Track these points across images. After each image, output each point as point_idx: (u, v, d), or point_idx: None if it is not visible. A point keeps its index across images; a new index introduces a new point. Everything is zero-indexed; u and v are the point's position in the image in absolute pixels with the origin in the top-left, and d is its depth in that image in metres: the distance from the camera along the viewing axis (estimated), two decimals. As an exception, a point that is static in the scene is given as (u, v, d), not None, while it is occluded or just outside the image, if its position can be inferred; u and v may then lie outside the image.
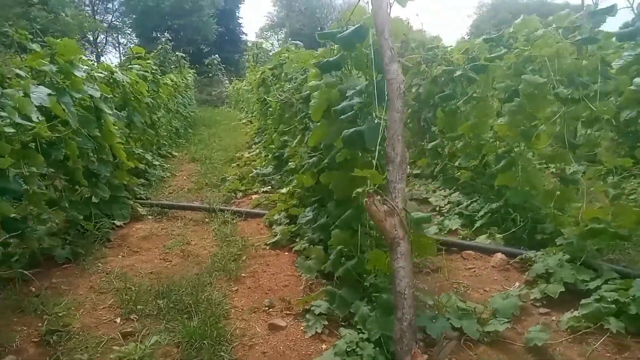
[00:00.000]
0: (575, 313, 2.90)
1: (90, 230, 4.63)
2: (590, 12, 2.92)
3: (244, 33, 51.91)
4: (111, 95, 6.19)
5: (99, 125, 5.31)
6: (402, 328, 2.08)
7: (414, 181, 6.48)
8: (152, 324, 3.13)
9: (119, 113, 6.22)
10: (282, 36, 57.38)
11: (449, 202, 5.22)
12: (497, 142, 4.76)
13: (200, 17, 42.35)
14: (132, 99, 7.54)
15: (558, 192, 3.95)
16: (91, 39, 44.22)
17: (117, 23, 47.11)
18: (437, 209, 5.27)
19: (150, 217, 5.76)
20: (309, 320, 2.91)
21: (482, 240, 4.30)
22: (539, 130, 4.03)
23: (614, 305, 2.78)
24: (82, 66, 5.37)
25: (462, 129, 5.06)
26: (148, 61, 10.12)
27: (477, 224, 4.54)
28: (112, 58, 46.62)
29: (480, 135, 5.04)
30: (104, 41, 46.69)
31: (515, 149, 4.45)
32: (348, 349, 2.44)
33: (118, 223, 5.31)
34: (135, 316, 3.25)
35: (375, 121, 2.52)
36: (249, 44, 50.23)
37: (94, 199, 5.11)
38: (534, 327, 2.83)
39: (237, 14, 50.82)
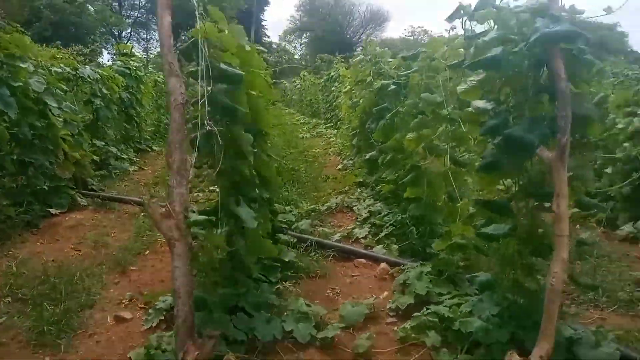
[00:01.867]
0: (407, 324, 2.96)
1: (11, 215, 4.84)
2: (467, 37, 2.98)
3: (267, 35, 52.56)
4: (70, 90, 6.45)
5: (43, 117, 5.56)
6: (178, 324, 2.19)
7: (356, 190, 6.58)
8: (19, 307, 3.29)
9: (71, 106, 6.45)
10: (306, 40, 57.82)
11: (369, 212, 5.29)
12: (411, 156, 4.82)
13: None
14: (100, 94, 7.80)
15: (445, 207, 4.00)
16: (116, 33, 45.41)
17: (142, 19, 48.15)
18: (356, 217, 5.36)
19: (90, 207, 5.96)
20: (150, 314, 3.04)
21: (378, 249, 4.37)
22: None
23: (437, 320, 2.84)
24: (31, 60, 5.65)
25: (389, 142, 5.14)
26: (133, 58, 10.43)
27: (382, 234, 4.60)
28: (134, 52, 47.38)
29: (402, 148, 5.10)
30: (129, 36, 47.75)
31: (422, 163, 4.50)
32: (156, 343, 2.56)
33: (53, 211, 5.51)
34: (10, 299, 3.42)
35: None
36: (274, 46, 50.89)
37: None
38: (363, 335, 2.91)
39: (261, 16, 51.54)
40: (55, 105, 5.72)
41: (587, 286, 2.73)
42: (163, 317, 3.02)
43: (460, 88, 2.88)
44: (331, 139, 12.64)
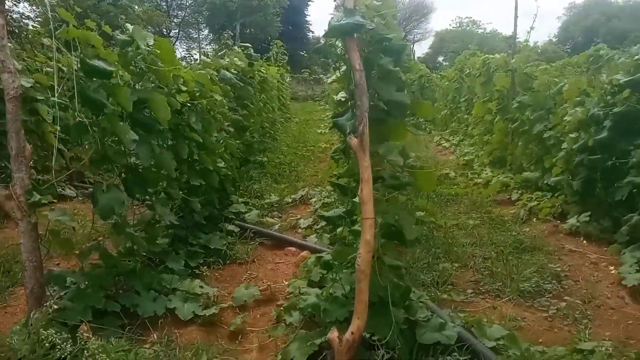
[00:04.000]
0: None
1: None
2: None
3: (311, 31, 52.81)
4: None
5: (32, 113, 6.07)
6: (27, 294, 2.50)
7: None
8: None
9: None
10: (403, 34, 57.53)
11: (323, 204, 5.45)
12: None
13: (265, 15, 43.83)
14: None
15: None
16: (165, 32, 47.17)
17: (190, 19, 49.71)
18: (313, 209, 5.55)
19: (79, 198, 6.44)
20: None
21: (311, 239, 4.55)
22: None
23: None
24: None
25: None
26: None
27: (320, 224, 4.77)
28: (181, 51, 49.12)
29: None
30: (177, 35, 49.44)
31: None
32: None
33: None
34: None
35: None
36: (321, 41, 51.03)
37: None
38: (243, 314, 3.13)
39: (305, 12, 51.80)
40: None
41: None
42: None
43: (329, 80, 3.03)
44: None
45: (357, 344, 2.39)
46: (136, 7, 36.12)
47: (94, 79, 2.85)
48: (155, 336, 2.93)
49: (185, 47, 49.15)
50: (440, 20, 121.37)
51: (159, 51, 3.41)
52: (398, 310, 2.65)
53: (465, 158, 8.54)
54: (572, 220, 4.70)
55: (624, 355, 2.58)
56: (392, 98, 2.41)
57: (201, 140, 4.07)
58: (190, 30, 51.80)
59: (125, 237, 3.17)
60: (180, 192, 4.07)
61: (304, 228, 4.94)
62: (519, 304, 3.45)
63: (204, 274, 3.85)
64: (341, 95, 2.86)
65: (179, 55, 10.86)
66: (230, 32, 24.08)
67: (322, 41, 2.78)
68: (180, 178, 4.03)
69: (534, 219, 5.27)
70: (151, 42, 3.18)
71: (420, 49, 65.13)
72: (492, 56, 8.08)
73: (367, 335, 2.50)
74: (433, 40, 54.17)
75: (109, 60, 2.94)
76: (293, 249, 4.43)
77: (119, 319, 2.97)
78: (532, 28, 6.86)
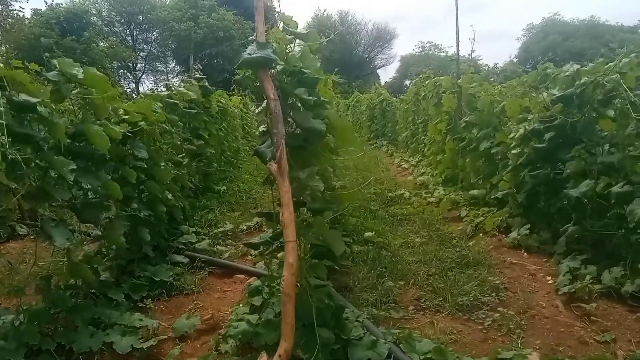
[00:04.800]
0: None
1: None
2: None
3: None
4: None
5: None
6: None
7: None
8: None
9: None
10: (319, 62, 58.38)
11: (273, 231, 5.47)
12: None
13: (231, 45, 44.30)
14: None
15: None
16: (130, 66, 47.14)
17: (156, 52, 49.85)
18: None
19: (31, 236, 6.33)
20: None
21: (259, 265, 4.57)
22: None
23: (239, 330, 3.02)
24: None
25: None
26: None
27: (268, 250, 4.79)
28: (149, 84, 49.20)
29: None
30: (143, 69, 49.44)
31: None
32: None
33: (-9, 241, 5.90)
34: None
35: None
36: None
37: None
38: (175, 348, 3.12)
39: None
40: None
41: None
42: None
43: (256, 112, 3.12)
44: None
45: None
46: (101, 43, 36.22)
47: (22, 114, 2.87)
48: (91, 373, 2.90)
49: (152, 80, 49.12)
50: (405, 46, 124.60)
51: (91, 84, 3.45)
52: (329, 330, 2.70)
53: (421, 178, 8.74)
54: (513, 234, 4.87)
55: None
56: (308, 125, 2.51)
57: (146, 168, 4.10)
58: (157, 63, 51.93)
59: (68, 270, 3.15)
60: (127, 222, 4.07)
61: (254, 255, 4.95)
62: (457, 317, 3.54)
63: (148, 306, 3.81)
64: (262, 127, 2.95)
65: (145, 89, 10.84)
66: (198, 63, 24.25)
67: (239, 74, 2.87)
68: (127, 208, 4.03)
69: (481, 234, 5.42)
70: (80, 75, 3.21)
71: (386, 74, 66.67)
72: (441, 78, 8.37)
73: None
74: (399, 65, 55.57)
75: (39, 95, 2.97)
76: (242, 276, 4.45)
77: (53, 357, 2.93)
78: (472, 51, 7.18)
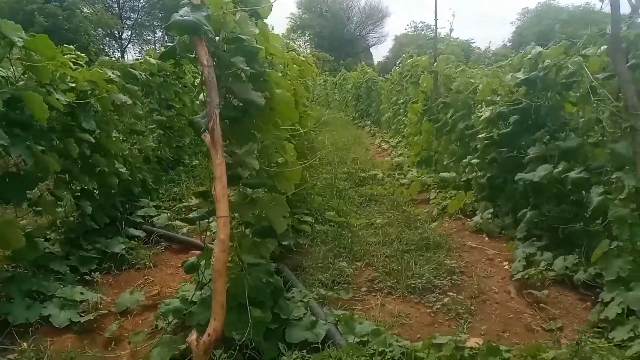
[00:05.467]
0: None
1: None
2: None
3: (268, 34, 52.54)
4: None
5: None
6: None
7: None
8: None
9: None
10: (308, 38, 57.68)
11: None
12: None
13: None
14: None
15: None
16: (116, 34, 46.08)
17: (143, 21, 48.70)
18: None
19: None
20: None
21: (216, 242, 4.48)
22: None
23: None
24: None
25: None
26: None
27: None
28: (134, 54, 48.30)
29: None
30: (129, 38, 48.36)
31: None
32: None
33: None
34: None
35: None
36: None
37: None
38: (114, 323, 3.03)
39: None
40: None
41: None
42: None
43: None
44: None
45: (214, 346, 2.34)
46: (85, 9, 35.21)
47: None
48: (25, 345, 2.80)
49: (138, 49, 48.13)
50: (398, 26, 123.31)
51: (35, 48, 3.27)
52: (265, 309, 2.62)
53: (397, 159, 8.65)
54: (476, 218, 4.82)
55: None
56: (246, 97, 2.38)
57: (93, 141, 3.94)
58: (144, 32, 50.80)
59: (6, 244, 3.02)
60: (71, 195, 3.94)
61: (214, 231, 4.84)
62: (408, 300, 3.49)
63: (95, 279, 3.71)
64: (201, 96, 2.82)
65: (130, 58, 10.49)
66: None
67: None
68: (70, 181, 3.89)
69: (447, 217, 5.37)
70: (20, 42, 3.03)
71: (378, 53, 65.98)
72: (419, 58, 8.23)
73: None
74: (392, 44, 54.88)
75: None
76: (197, 252, 4.34)
77: (-15, 328, 2.83)
78: (451, 30, 7.04)
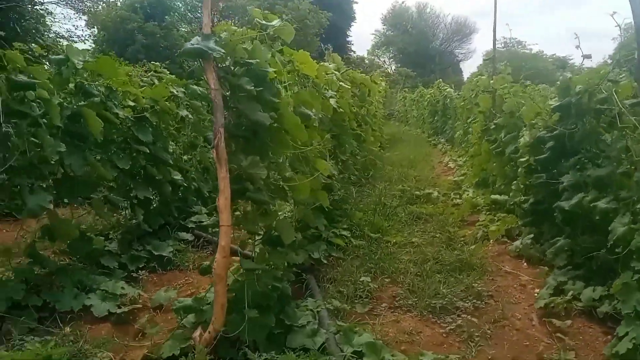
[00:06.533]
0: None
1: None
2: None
3: (352, 51, 53.34)
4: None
5: None
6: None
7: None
8: None
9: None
10: (393, 54, 57.71)
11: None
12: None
13: (305, 35, 44.76)
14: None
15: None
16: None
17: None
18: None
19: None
20: None
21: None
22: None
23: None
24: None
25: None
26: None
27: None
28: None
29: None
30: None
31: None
32: None
33: None
34: None
35: None
36: (366, 61, 51.68)
37: None
38: (145, 317, 3.37)
39: (347, 32, 52.46)
40: None
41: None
42: None
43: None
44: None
45: (213, 342, 2.57)
46: (182, 27, 37.92)
47: (20, 92, 3.20)
48: (67, 330, 3.21)
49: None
50: (485, 41, 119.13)
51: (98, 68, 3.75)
52: (270, 314, 2.81)
53: (458, 179, 8.52)
54: (517, 242, 4.70)
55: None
56: (253, 117, 2.61)
57: (148, 152, 4.38)
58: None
59: (50, 230, 3.48)
60: (129, 201, 4.40)
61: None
62: (425, 319, 3.52)
63: (141, 277, 4.11)
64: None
65: None
66: None
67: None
68: (125, 187, 4.35)
69: (492, 240, 5.26)
70: (83, 60, 3.50)
71: (467, 68, 64.25)
72: (482, 77, 8.09)
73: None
74: (483, 60, 53.44)
75: (38, 76, 3.28)
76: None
77: (37, 312, 3.27)
78: (516, 40, 6.84)
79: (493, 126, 6.48)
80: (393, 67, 53.87)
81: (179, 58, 3.50)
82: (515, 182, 5.40)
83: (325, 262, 4.32)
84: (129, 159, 4.19)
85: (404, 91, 32.30)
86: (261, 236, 3.07)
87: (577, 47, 4.34)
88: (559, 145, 3.98)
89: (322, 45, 8.67)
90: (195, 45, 2.46)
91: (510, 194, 5.70)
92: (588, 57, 4.37)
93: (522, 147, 4.78)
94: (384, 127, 21.75)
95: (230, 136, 2.60)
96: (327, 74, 5.35)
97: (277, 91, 2.79)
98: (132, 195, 4.46)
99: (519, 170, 4.91)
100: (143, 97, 4.47)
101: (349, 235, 4.94)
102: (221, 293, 2.53)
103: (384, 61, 57.64)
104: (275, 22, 3.19)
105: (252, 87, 2.54)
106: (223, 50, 2.48)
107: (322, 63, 6.60)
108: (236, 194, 2.63)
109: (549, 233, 4.56)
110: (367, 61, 52.56)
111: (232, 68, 2.61)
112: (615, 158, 3.23)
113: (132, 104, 4.24)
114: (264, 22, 3.01)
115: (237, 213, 2.99)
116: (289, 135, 2.84)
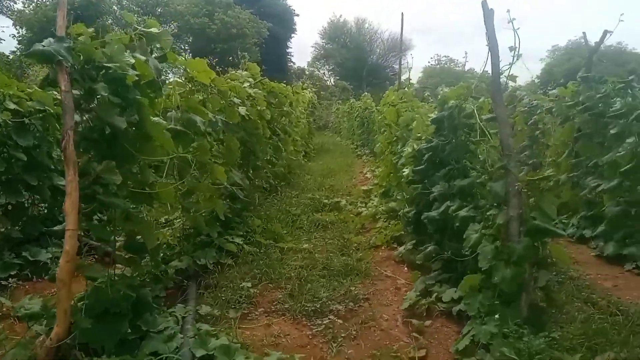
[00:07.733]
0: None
1: None
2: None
3: (292, 62, 53.66)
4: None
5: None
6: None
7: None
8: None
9: None
10: (332, 67, 58.58)
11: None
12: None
13: (244, 43, 44.56)
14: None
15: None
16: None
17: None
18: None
19: None
20: None
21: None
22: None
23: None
24: None
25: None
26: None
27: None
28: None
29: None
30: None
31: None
32: None
33: None
34: None
35: None
36: (306, 72, 52.12)
37: None
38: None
39: (287, 43, 52.69)
40: None
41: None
42: None
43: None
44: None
45: (56, 349, 2.52)
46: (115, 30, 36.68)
47: None
48: None
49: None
50: (422, 57, 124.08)
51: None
52: (124, 320, 2.79)
53: (368, 188, 8.80)
54: (401, 248, 4.93)
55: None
56: (110, 120, 2.61)
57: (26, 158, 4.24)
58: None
59: None
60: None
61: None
62: (298, 322, 3.61)
63: (11, 285, 3.96)
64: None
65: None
66: (211, 58, 24.63)
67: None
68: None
69: (383, 247, 5.48)
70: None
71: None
72: (390, 92, 8.44)
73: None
74: (420, 76, 55.27)
75: None
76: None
77: None
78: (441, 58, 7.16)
79: (394, 138, 6.77)
80: (332, 80, 54.75)
81: (26, 58, 3.34)
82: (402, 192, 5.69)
83: (211, 268, 4.33)
84: (3, 163, 4.03)
85: (338, 103, 32.91)
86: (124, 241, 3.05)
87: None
88: (434, 157, 4.23)
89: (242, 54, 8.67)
90: (44, 48, 2.43)
91: (396, 203, 6.00)
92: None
93: (406, 158, 5.03)
94: (315, 137, 22.12)
95: (86, 140, 2.58)
96: (233, 82, 5.43)
97: (140, 96, 2.80)
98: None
99: (402, 180, 5.16)
100: (31, 100, 4.34)
101: (242, 242, 4.97)
102: (64, 298, 2.50)
103: (324, 73, 58.49)
104: (153, 29, 3.23)
105: (107, 92, 2.55)
106: (70, 58, 2.47)
107: (234, 72, 6.69)
108: (85, 198, 2.61)
109: (428, 240, 4.83)
110: (307, 72, 53.24)
111: (92, 72, 2.60)
112: (479, 169, 3.49)
113: (13, 107, 4.09)
114: (140, 28, 3.04)
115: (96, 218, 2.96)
116: (156, 142, 2.85)
